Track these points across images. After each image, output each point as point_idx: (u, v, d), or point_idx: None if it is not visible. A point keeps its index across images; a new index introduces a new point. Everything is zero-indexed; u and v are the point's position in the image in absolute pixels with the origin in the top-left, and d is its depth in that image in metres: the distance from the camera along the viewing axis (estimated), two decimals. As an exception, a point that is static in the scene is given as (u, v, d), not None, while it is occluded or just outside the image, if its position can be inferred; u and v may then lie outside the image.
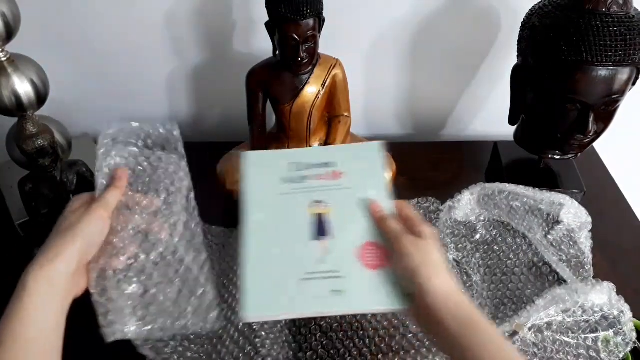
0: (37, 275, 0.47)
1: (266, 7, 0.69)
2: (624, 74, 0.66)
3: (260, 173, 0.59)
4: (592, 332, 0.60)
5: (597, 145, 0.87)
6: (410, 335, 0.65)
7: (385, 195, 0.57)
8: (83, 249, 0.48)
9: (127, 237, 0.52)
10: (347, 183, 0.58)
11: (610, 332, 0.64)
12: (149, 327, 0.52)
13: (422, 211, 0.82)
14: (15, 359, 0.43)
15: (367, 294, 0.51)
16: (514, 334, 0.62)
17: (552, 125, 0.72)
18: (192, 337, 0.64)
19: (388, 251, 0.52)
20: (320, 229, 0.55)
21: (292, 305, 0.51)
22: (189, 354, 0.62)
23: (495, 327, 0.46)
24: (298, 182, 0.58)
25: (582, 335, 0.60)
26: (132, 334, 0.52)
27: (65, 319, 0.47)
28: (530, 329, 0.63)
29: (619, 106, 0.70)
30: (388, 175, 0.59)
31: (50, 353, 0.46)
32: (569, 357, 0.61)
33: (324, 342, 0.64)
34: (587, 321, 0.60)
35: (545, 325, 0.64)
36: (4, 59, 0.64)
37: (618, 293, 0.70)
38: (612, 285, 0.61)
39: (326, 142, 0.81)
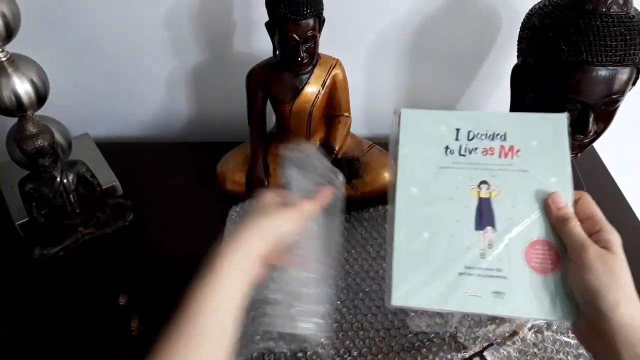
0: (232, 258, 0.46)
1: (266, 7, 0.69)
2: (624, 74, 0.66)
3: (419, 138, 0.49)
4: None
5: (597, 145, 0.87)
6: (410, 335, 0.65)
7: (569, 185, 0.47)
8: (274, 243, 0.47)
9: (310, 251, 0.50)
10: (522, 164, 0.47)
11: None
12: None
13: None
14: (209, 326, 0.43)
15: (532, 301, 0.45)
16: (513, 333, 0.62)
17: (552, 125, 0.72)
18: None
19: (561, 254, 0.45)
20: (485, 216, 0.47)
21: (445, 300, 0.45)
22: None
23: None
24: (462, 154, 0.48)
25: None
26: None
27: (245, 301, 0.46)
28: (530, 329, 0.63)
29: (619, 106, 0.70)
30: (570, 157, 0.48)
31: (233, 326, 0.44)
32: (569, 357, 0.61)
33: (324, 342, 0.64)
34: None
35: (545, 325, 0.64)
36: (4, 59, 0.64)
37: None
38: None
39: (326, 142, 0.81)
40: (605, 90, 0.66)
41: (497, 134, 0.49)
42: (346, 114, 0.81)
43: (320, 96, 0.77)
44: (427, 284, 0.45)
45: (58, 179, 0.70)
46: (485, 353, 0.61)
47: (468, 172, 0.48)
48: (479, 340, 0.63)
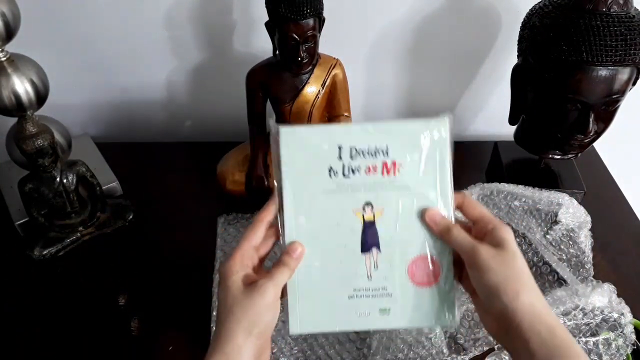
0: None
1: (266, 7, 0.69)
2: (624, 73, 0.66)
3: (301, 160, 0.48)
4: (592, 335, 0.60)
5: (597, 145, 0.87)
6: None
7: (450, 197, 0.48)
8: (262, 336, 0.43)
9: None
10: (404, 179, 0.47)
11: (612, 334, 0.64)
12: None
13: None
14: None
15: (415, 312, 0.48)
16: None
17: (553, 125, 0.72)
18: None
19: (440, 265, 0.48)
20: (370, 238, 0.48)
21: (338, 322, 0.48)
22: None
23: None
24: (346, 175, 0.48)
25: (583, 339, 0.60)
26: None
27: None
28: None
29: (619, 106, 0.70)
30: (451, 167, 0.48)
31: None
32: None
33: (324, 342, 0.64)
34: (588, 324, 0.60)
35: None
36: (3, 59, 0.64)
37: (618, 293, 0.70)
38: (612, 287, 0.61)
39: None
40: (606, 90, 0.66)
41: (380, 149, 0.48)
42: (346, 114, 0.81)
43: (320, 96, 0.77)
44: (321, 310, 0.47)
45: (58, 179, 0.70)
46: (486, 359, 0.61)
47: (353, 194, 0.48)
48: (479, 342, 0.63)
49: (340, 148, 0.48)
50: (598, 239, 0.78)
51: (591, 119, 0.68)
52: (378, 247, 0.48)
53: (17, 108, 0.65)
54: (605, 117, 0.70)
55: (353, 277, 0.48)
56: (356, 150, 0.48)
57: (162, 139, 1.03)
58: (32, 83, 0.65)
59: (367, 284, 0.48)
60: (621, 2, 0.64)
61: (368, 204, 0.48)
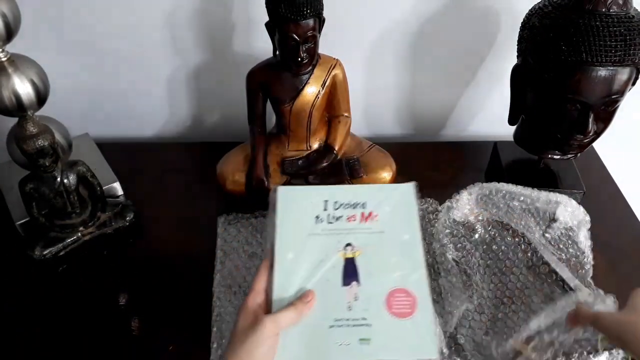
0: None
1: (266, 7, 0.69)
2: (623, 74, 0.66)
3: (293, 209, 0.57)
4: (594, 350, 0.60)
5: (596, 145, 0.87)
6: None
7: (419, 239, 0.55)
8: None
9: None
10: (379, 226, 0.56)
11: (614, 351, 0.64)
12: None
13: (420, 212, 0.81)
14: None
15: (394, 343, 0.50)
16: (517, 354, 0.61)
17: (552, 125, 0.72)
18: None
19: (418, 298, 0.52)
20: (350, 273, 0.53)
21: (320, 353, 0.50)
22: None
23: None
24: (330, 222, 0.56)
25: (584, 354, 0.60)
26: None
27: None
28: (534, 349, 0.62)
29: (618, 106, 0.70)
30: (419, 217, 0.58)
31: None
32: None
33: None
34: (589, 340, 0.59)
35: (548, 342, 0.63)
36: (4, 59, 0.64)
37: (618, 293, 0.70)
38: (614, 299, 0.60)
39: (326, 142, 0.81)
40: (605, 90, 0.66)
41: (358, 203, 0.57)
42: (346, 114, 0.81)
43: (320, 96, 0.77)
44: (304, 341, 0.50)
45: (58, 179, 0.70)
46: None
47: (335, 237, 0.55)
48: (480, 345, 0.63)
49: (326, 202, 0.57)
50: (598, 239, 0.78)
51: (590, 119, 0.68)
52: (358, 281, 0.53)
53: (18, 108, 0.65)
54: (605, 117, 0.70)
55: (334, 308, 0.51)
56: (340, 203, 0.57)
57: (162, 139, 1.03)
58: (33, 83, 0.65)
59: (347, 314, 0.51)
60: (621, 2, 0.64)
61: (349, 244, 0.55)
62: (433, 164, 0.92)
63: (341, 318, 0.51)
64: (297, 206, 0.57)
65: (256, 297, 0.50)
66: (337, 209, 0.57)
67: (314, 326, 0.51)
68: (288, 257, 0.54)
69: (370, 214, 0.57)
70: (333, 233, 0.55)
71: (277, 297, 0.51)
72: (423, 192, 0.84)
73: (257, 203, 0.79)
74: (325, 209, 0.57)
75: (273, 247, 0.54)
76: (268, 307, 0.51)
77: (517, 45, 0.76)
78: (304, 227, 0.56)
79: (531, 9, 0.73)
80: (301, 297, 0.50)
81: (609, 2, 0.64)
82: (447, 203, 0.77)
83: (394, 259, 0.54)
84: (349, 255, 0.54)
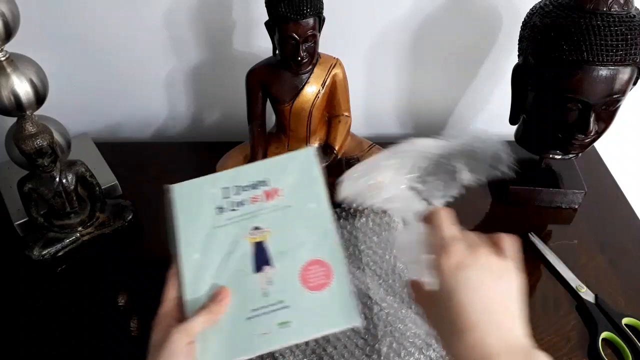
0: None
1: (266, 6, 0.69)
2: (625, 73, 0.66)
3: (191, 206, 0.54)
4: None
5: (598, 145, 0.87)
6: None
7: (327, 206, 0.53)
8: None
9: None
10: (285, 201, 0.53)
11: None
12: None
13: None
14: None
15: (314, 319, 0.48)
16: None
17: (553, 125, 0.72)
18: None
19: (332, 266, 0.50)
20: (261, 258, 0.51)
21: (241, 348, 0.48)
22: None
23: None
24: (233, 209, 0.53)
25: None
26: None
27: None
28: None
29: (620, 106, 0.70)
30: (324, 181, 0.54)
31: None
32: None
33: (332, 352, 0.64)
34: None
35: None
36: (3, 58, 0.64)
37: (618, 293, 0.70)
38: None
39: (326, 142, 0.81)
40: (606, 90, 0.66)
41: (259, 182, 0.54)
42: (346, 114, 0.81)
43: (320, 96, 0.77)
44: (225, 340, 0.48)
45: (57, 179, 0.70)
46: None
47: (241, 223, 0.52)
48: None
49: (226, 189, 0.54)
50: (598, 239, 0.78)
51: (592, 119, 0.68)
52: (270, 264, 0.50)
53: (17, 108, 0.65)
54: (606, 117, 0.70)
55: (249, 298, 0.49)
56: (240, 187, 0.54)
57: (162, 139, 1.02)
58: (32, 83, 0.65)
59: (263, 302, 0.49)
60: (622, 1, 0.64)
61: (256, 228, 0.52)
62: (433, 163, 0.92)
63: (258, 307, 0.49)
64: (195, 201, 0.54)
65: (167, 308, 0.48)
66: (238, 193, 0.54)
67: (232, 321, 0.49)
68: (194, 258, 0.51)
69: (274, 190, 0.54)
70: (238, 220, 0.53)
71: (190, 302, 0.49)
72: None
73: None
74: (226, 197, 0.54)
75: (178, 251, 0.52)
76: (184, 315, 0.48)
77: (518, 44, 0.76)
78: (206, 222, 0.53)
79: (532, 8, 0.73)
80: (213, 297, 0.48)
81: (610, 1, 0.64)
82: None
83: (303, 232, 0.52)
84: (258, 239, 0.52)
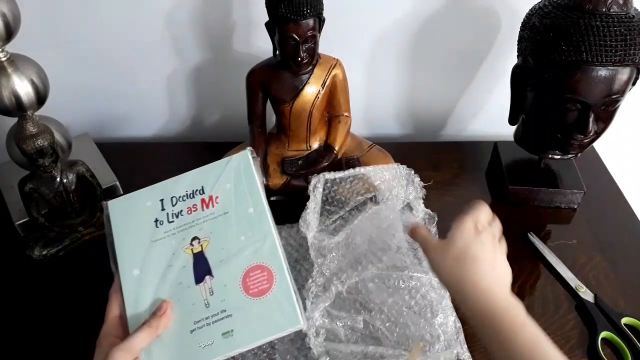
0: None
1: (266, 7, 0.69)
2: (624, 74, 0.66)
3: (129, 221, 0.53)
4: None
5: (597, 145, 0.87)
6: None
7: (265, 209, 0.52)
8: None
9: None
10: (222, 208, 0.52)
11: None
12: None
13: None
14: None
15: (257, 326, 0.48)
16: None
17: (552, 125, 0.72)
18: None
19: (274, 270, 0.50)
20: (201, 268, 0.50)
21: None
22: None
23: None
24: (171, 221, 0.52)
25: None
26: None
27: None
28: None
29: (619, 106, 0.70)
30: (261, 185, 0.54)
31: None
32: None
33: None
34: None
35: None
36: (3, 59, 0.64)
37: (617, 293, 0.70)
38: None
39: (326, 142, 0.81)
40: (605, 90, 0.66)
41: (196, 190, 0.54)
42: (346, 114, 0.81)
43: (320, 96, 0.77)
44: (168, 354, 0.47)
45: (58, 179, 0.70)
46: None
47: (179, 235, 0.52)
48: None
49: (162, 201, 0.53)
50: (598, 239, 0.78)
51: (591, 119, 0.68)
52: (210, 273, 0.50)
53: (17, 108, 0.65)
54: (605, 117, 0.70)
55: (192, 311, 0.49)
56: (176, 198, 0.53)
57: (162, 139, 1.03)
58: (32, 83, 0.65)
59: (205, 313, 0.48)
60: (621, 2, 0.64)
61: (195, 238, 0.51)
62: (433, 164, 0.92)
63: (200, 319, 0.48)
64: (132, 216, 0.53)
65: (109, 327, 0.48)
66: (175, 204, 0.53)
67: (176, 335, 0.48)
68: (134, 274, 0.50)
69: (210, 198, 0.53)
70: (176, 231, 0.52)
71: (133, 318, 0.48)
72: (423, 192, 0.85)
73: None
74: (163, 209, 0.53)
75: (118, 268, 0.51)
76: (127, 332, 0.48)
77: (517, 45, 0.76)
78: (144, 237, 0.52)
79: (531, 8, 0.73)
80: (154, 312, 0.47)
81: (609, 2, 0.64)
82: None
83: (242, 237, 0.51)
84: (197, 250, 0.51)
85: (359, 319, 0.61)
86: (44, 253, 0.72)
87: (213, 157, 0.83)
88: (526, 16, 0.74)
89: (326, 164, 0.79)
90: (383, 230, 0.68)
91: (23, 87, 0.64)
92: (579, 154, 0.77)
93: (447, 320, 0.62)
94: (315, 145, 0.81)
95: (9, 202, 0.79)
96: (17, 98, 0.64)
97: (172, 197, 0.54)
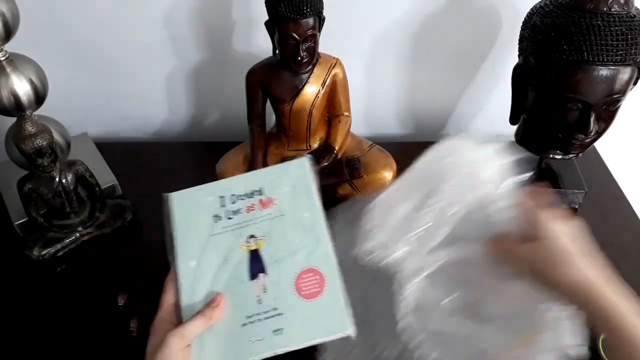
0: None
1: (266, 6, 0.69)
2: (625, 73, 0.65)
3: (189, 214, 0.55)
4: None
5: (598, 144, 0.87)
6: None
7: (320, 215, 0.54)
8: None
9: None
10: (280, 210, 0.54)
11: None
12: None
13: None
14: None
15: (307, 327, 0.49)
16: None
17: (553, 124, 0.72)
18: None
19: (325, 275, 0.51)
20: (256, 266, 0.52)
21: (236, 353, 0.49)
22: None
23: None
24: (229, 218, 0.54)
25: None
26: None
27: None
28: None
29: (620, 106, 0.70)
30: (317, 191, 0.56)
31: None
32: None
33: None
34: None
35: None
36: (2, 58, 0.64)
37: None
38: None
39: (326, 142, 0.81)
40: (607, 90, 0.66)
41: (255, 191, 0.56)
42: (346, 114, 0.81)
43: (320, 96, 0.77)
44: (220, 344, 0.49)
45: (57, 179, 0.70)
46: None
47: (236, 231, 0.53)
48: None
49: (222, 197, 0.55)
50: (599, 238, 0.77)
51: (592, 119, 0.68)
52: (264, 271, 0.51)
53: (16, 108, 0.65)
54: (606, 116, 0.70)
55: (244, 305, 0.50)
56: (236, 196, 0.55)
57: (162, 139, 1.02)
58: (31, 83, 0.65)
59: (257, 309, 0.50)
60: (622, 1, 0.64)
61: (251, 236, 0.53)
62: (433, 163, 0.92)
63: (252, 314, 0.50)
64: (192, 210, 0.55)
65: (164, 314, 0.49)
66: (234, 202, 0.55)
67: (228, 328, 0.50)
68: (191, 266, 0.52)
69: (269, 199, 0.55)
70: (234, 228, 0.54)
71: (187, 308, 0.50)
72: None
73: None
74: (222, 205, 0.55)
75: (175, 259, 0.53)
76: (180, 320, 0.49)
77: (518, 44, 0.76)
78: (203, 230, 0.54)
79: (532, 8, 0.73)
80: (209, 303, 0.49)
81: (610, 1, 0.64)
82: None
83: (297, 240, 0.53)
84: (253, 247, 0.53)
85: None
86: (42, 253, 0.72)
87: (213, 157, 0.84)
88: (527, 15, 0.73)
89: (326, 163, 0.79)
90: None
91: (22, 87, 0.64)
92: (580, 154, 0.77)
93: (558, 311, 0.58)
94: (315, 145, 0.81)
95: (8, 202, 0.79)
96: (16, 98, 0.64)
97: (231, 195, 0.55)
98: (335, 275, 0.51)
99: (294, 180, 0.56)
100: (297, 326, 0.49)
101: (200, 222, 0.54)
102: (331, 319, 0.49)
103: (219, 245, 0.53)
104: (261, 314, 0.50)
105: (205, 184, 0.57)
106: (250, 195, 0.56)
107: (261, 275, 0.51)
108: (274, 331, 0.49)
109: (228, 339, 0.49)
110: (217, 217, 0.54)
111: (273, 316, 0.50)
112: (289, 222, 0.54)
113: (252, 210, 0.55)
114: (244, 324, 0.49)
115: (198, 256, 0.53)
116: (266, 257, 0.52)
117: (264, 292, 0.51)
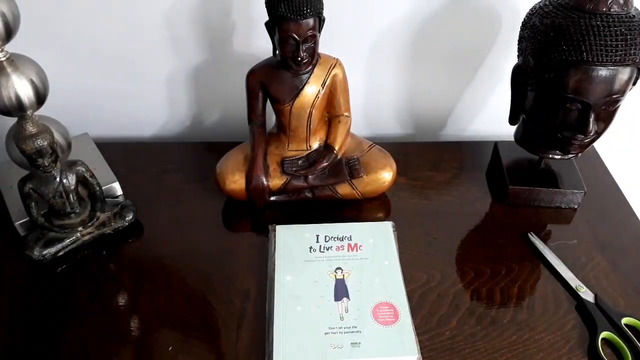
0: None
1: (266, 6, 0.69)
2: (624, 73, 0.66)
3: (290, 242, 0.72)
4: None
5: (597, 145, 0.87)
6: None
7: (397, 264, 0.69)
8: None
9: None
10: (364, 254, 0.70)
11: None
12: None
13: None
14: None
15: (380, 346, 0.60)
16: None
17: (553, 125, 0.72)
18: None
19: (399, 310, 0.63)
20: (340, 291, 0.65)
21: (317, 355, 0.59)
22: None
23: None
24: (322, 251, 0.70)
25: None
26: None
27: None
28: None
29: (619, 106, 0.70)
30: (397, 248, 0.71)
31: None
32: None
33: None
34: None
35: None
36: (3, 58, 0.64)
37: (618, 293, 0.70)
38: None
39: (326, 142, 0.81)
40: (606, 90, 0.66)
41: (345, 236, 0.73)
42: (346, 114, 0.81)
43: (320, 96, 0.77)
44: (302, 345, 0.60)
45: (57, 179, 0.70)
46: None
47: (327, 262, 0.69)
48: None
49: (317, 236, 0.73)
50: (598, 239, 0.78)
51: (591, 119, 0.68)
52: (348, 297, 0.65)
53: (17, 108, 0.65)
54: (606, 117, 0.70)
55: (328, 318, 0.63)
56: (329, 237, 0.73)
57: (162, 139, 1.03)
58: (32, 83, 0.65)
59: (340, 324, 0.62)
60: (621, 2, 0.64)
61: (339, 268, 0.69)
62: (433, 164, 0.92)
63: (335, 326, 0.62)
64: (292, 240, 0.72)
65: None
66: (327, 241, 0.72)
67: (312, 332, 0.61)
68: (287, 279, 0.67)
69: (356, 244, 0.71)
70: (325, 259, 0.69)
71: (278, 314, 0.63)
72: (422, 192, 0.85)
73: (256, 203, 0.79)
74: (317, 241, 0.72)
75: (275, 273, 0.68)
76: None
77: (518, 44, 0.76)
78: (299, 255, 0.70)
79: (532, 8, 0.73)
80: None
81: (609, 1, 0.64)
82: None
83: (377, 279, 0.67)
84: (339, 277, 0.67)
85: None
86: (43, 253, 0.72)
87: (213, 157, 0.84)
88: (526, 16, 0.74)
89: (326, 164, 0.79)
90: None
91: (23, 87, 0.64)
92: (580, 154, 0.77)
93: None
94: (315, 145, 0.81)
95: (9, 202, 0.79)
96: (17, 98, 0.64)
97: (325, 235, 0.73)
98: (407, 312, 0.63)
99: (379, 236, 0.73)
100: (372, 344, 0.60)
101: (298, 249, 0.71)
102: (402, 343, 0.60)
103: (312, 269, 0.68)
104: (342, 328, 0.61)
105: (304, 225, 0.75)
106: (341, 239, 0.72)
107: (345, 299, 0.65)
108: (352, 344, 0.60)
109: (311, 342, 0.60)
110: (312, 249, 0.71)
111: (352, 332, 0.61)
112: (371, 264, 0.69)
113: (341, 249, 0.71)
114: (327, 333, 0.61)
115: (293, 273, 0.68)
116: (350, 286, 0.66)
117: (346, 312, 0.63)
